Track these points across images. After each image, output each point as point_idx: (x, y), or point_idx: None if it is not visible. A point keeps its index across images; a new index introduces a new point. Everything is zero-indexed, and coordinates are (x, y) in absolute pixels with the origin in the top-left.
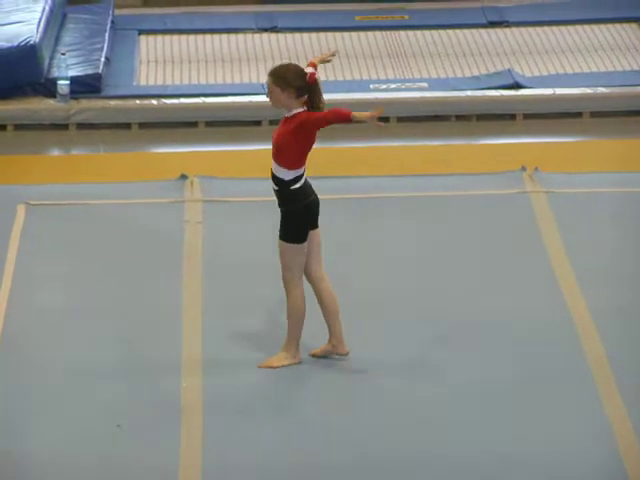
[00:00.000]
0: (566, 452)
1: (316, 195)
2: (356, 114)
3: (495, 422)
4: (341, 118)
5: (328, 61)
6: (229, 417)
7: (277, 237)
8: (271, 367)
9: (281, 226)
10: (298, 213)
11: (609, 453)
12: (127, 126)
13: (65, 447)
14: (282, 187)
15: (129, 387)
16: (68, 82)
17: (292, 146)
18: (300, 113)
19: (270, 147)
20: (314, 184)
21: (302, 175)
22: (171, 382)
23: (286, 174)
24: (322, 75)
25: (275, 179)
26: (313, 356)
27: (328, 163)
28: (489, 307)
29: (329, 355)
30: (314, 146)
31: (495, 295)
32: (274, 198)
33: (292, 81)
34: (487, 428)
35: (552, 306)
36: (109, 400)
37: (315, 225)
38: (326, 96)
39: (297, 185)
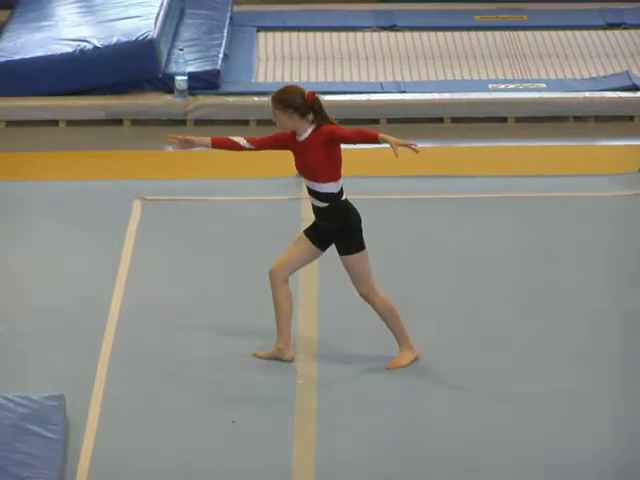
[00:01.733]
0: None
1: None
2: (383, 136)
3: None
4: (367, 138)
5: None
6: (343, 415)
7: (341, 258)
8: (401, 366)
9: (343, 243)
10: (355, 222)
11: None
12: (245, 123)
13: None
14: (334, 201)
15: (243, 382)
16: (186, 78)
17: (325, 161)
18: (322, 129)
19: None
20: (433, 183)
21: (342, 189)
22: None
23: (333, 187)
24: (440, 74)
25: (323, 196)
26: (257, 357)
27: (445, 163)
28: (607, 309)
29: (274, 358)
30: (433, 145)
31: (612, 298)
32: (392, 196)
33: (291, 102)
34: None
35: None
36: (221, 395)
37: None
38: (445, 96)
39: (344, 196)
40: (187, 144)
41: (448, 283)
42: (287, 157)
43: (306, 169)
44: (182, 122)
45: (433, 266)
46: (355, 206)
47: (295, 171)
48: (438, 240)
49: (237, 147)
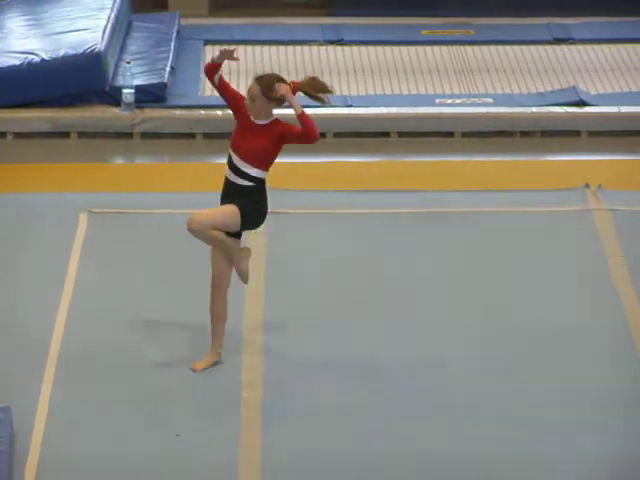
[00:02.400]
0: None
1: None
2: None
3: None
4: (307, 140)
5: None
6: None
7: None
8: (202, 369)
9: (245, 216)
10: (263, 209)
11: None
12: (192, 136)
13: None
14: (259, 183)
15: (188, 390)
16: (133, 91)
17: (272, 153)
18: (275, 123)
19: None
20: (379, 197)
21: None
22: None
23: (262, 174)
24: (387, 89)
25: (250, 178)
26: (197, 370)
27: (393, 177)
28: (551, 323)
29: (213, 364)
30: (380, 159)
31: (557, 311)
32: (339, 210)
33: (273, 82)
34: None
35: (614, 325)
36: (166, 403)
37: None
38: (391, 110)
39: (265, 185)
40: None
41: (389, 294)
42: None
43: (248, 151)
44: (129, 135)
45: (375, 279)
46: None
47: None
48: (384, 254)
49: (214, 69)
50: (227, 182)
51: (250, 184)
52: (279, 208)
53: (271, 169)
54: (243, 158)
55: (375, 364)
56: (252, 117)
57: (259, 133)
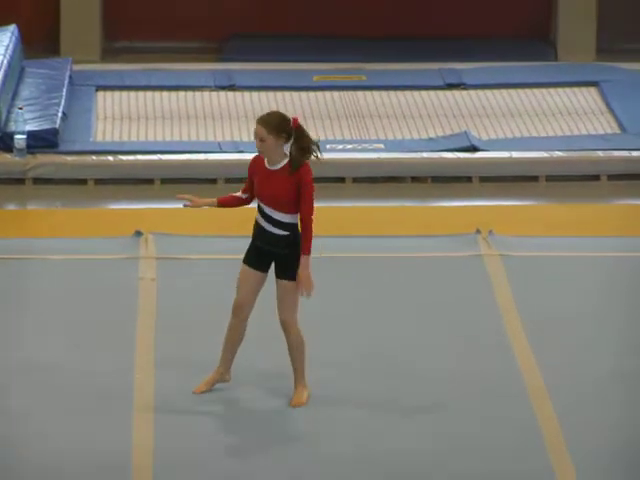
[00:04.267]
0: None
1: None
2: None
3: None
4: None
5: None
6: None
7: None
8: (302, 404)
9: (286, 269)
10: (299, 253)
11: None
12: (83, 182)
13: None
14: (293, 231)
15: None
16: (25, 136)
17: (293, 195)
18: (304, 171)
19: None
20: None
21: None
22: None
23: (293, 218)
24: None
25: (283, 225)
26: (200, 392)
27: None
28: (441, 368)
29: (215, 383)
30: None
31: (447, 356)
32: (226, 255)
33: (284, 129)
34: None
35: (504, 368)
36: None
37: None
38: None
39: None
40: (196, 203)
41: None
42: (126, 217)
43: (271, 197)
44: (21, 181)
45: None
46: None
47: (132, 230)
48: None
49: (241, 201)
50: (259, 231)
51: (285, 233)
52: (170, 253)
53: None
54: (272, 206)
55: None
56: (267, 163)
57: (277, 176)
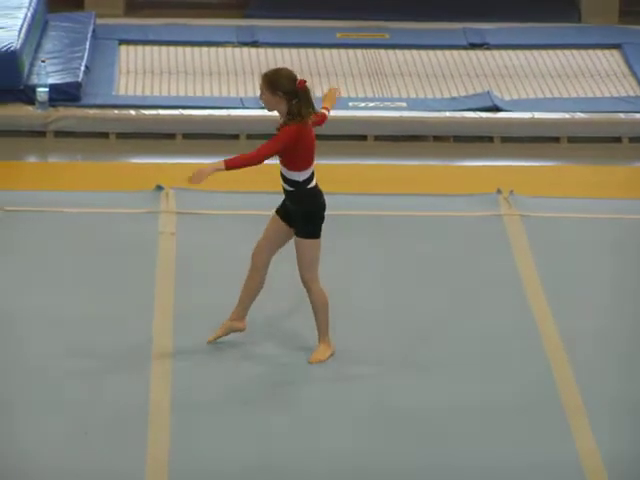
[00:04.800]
0: None
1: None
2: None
3: (459, 445)
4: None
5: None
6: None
7: (294, 238)
8: (321, 361)
9: (301, 225)
10: (317, 209)
11: None
12: (105, 135)
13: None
14: (298, 187)
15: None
16: (47, 90)
17: (291, 152)
18: (283, 129)
19: None
20: (279, 200)
21: (312, 177)
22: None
23: (297, 176)
24: None
25: (289, 182)
26: (212, 341)
27: None
28: (459, 330)
29: (228, 332)
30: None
31: (465, 318)
32: (246, 211)
33: (282, 85)
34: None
35: (523, 331)
36: (75, 406)
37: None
38: None
39: (312, 184)
40: (200, 175)
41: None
42: (148, 171)
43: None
44: (42, 134)
45: (280, 286)
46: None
47: (153, 185)
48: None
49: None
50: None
51: (291, 189)
52: (190, 208)
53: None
54: (280, 162)
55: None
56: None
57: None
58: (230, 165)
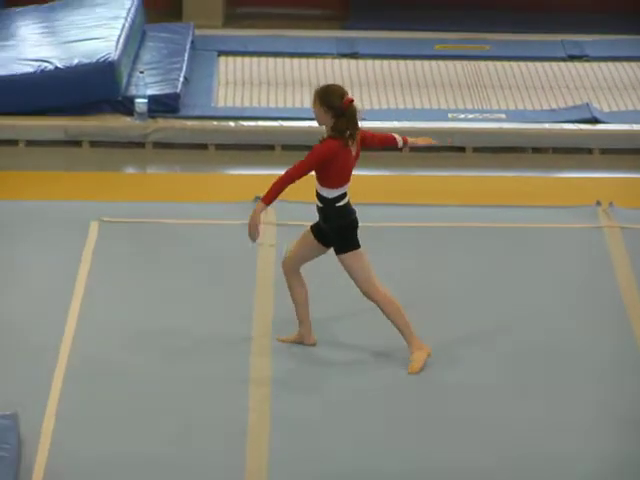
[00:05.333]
0: None
1: (356, 217)
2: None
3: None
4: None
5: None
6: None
7: (337, 259)
8: (420, 368)
9: (335, 242)
10: (348, 226)
11: None
12: (204, 147)
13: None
14: (327, 204)
15: (196, 406)
16: (146, 101)
17: (322, 169)
18: (319, 144)
19: None
20: (389, 211)
21: (344, 195)
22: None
23: (327, 192)
24: (400, 102)
25: (320, 197)
26: (281, 341)
27: (404, 191)
28: (559, 341)
29: (297, 343)
30: (391, 173)
31: (565, 330)
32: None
33: (330, 101)
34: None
35: (622, 344)
36: (175, 419)
37: None
38: (404, 124)
39: (341, 203)
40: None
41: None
42: (246, 183)
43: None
44: (141, 145)
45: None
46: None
47: (252, 196)
48: (395, 268)
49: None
50: None
51: (321, 205)
52: (290, 220)
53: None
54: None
55: (388, 377)
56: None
57: None
58: (268, 200)
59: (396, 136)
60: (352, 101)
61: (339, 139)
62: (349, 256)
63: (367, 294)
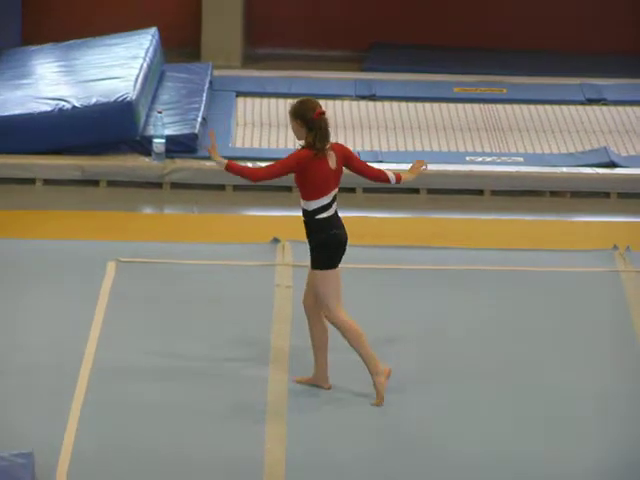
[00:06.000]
0: None
1: (344, 231)
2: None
3: None
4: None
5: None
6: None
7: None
8: (382, 396)
9: (312, 256)
10: (326, 241)
11: None
12: (221, 187)
13: None
14: (308, 217)
15: (211, 445)
16: (164, 141)
17: (300, 181)
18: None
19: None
20: (408, 254)
21: (326, 207)
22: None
23: (307, 205)
24: (418, 145)
25: (302, 210)
26: (298, 382)
27: (421, 234)
28: (574, 386)
29: (312, 385)
30: (407, 215)
31: (581, 375)
32: (366, 265)
33: (302, 114)
34: None
35: (638, 388)
36: (189, 459)
37: (338, 261)
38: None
39: (322, 215)
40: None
41: (418, 352)
42: (264, 223)
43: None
44: (159, 185)
45: (402, 335)
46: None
47: (269, 237)
48: (410, 310)
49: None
50: None
51: (304, 218)
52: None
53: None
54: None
55: (393, 418)
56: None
57: None
58: (229, 167)
59: (389, 174)
60: (323, 113)
61: (311, 150)
62: (320, 274)
63: (328, 317)
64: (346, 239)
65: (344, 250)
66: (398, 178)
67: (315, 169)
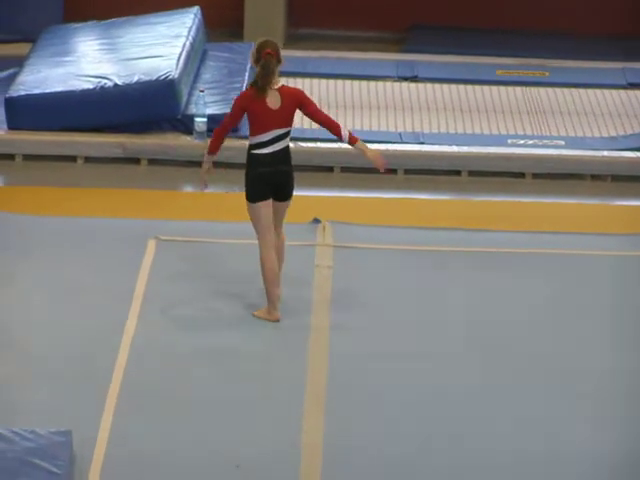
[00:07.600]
0: None
1: (277, 169)
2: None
3: None
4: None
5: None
6: None
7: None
8: (260, 317)
9: (245, 187)
10: (252, 176)
11: None
12: None
13: None
14: (248, 150)
15: (247, 427)
16: (205, 120)
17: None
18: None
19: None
20: (452, 235)
21: (263, 145)
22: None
23: (250, 140)
24: (460, 127)
25: None
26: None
27: (461, 216)
28: (615, 367)
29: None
30: (449, 197)
31: (621, 355)
32: (403, 246)
33: (255, 51)
34: None
35: None
36: (226, 437)
37: (275, 196)
38: (463, 149)
39: (256, 151)
40: (207, 175)
41: (458, 335)
42: (305, 204)
43: None
44: (199, 164)
45: (444, 318)
46: (265, 164)
47: (310, 217)
48: (451, 293)
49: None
50: None
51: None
52: (347, 242)
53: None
54: None
55: (435, 399)
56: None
57: None
58: (210, 149)
59: (343, 131)
60: (270, 54)
61: (252, 88)
62: (248, 205)
63: (258, 239)
64: (279, 179)
65: (276, 188)
66: (353, 140)
67: (254, 107)
